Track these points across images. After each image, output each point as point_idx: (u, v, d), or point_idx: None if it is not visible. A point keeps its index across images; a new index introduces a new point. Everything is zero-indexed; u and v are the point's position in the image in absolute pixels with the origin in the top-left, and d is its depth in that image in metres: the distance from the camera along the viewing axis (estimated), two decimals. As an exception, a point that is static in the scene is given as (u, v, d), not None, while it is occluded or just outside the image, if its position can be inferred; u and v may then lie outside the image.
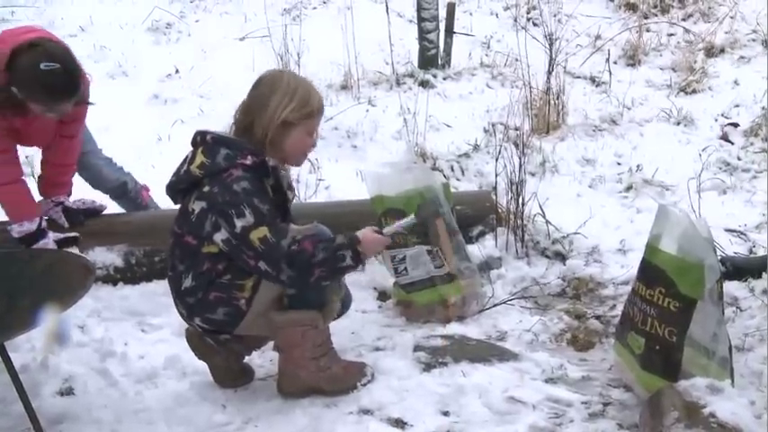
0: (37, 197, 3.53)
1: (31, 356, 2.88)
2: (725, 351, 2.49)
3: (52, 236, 3.38)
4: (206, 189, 2.57)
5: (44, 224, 3.38)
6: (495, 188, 3.78)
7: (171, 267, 2.70)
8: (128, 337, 3.14)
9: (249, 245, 2.51)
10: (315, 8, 7.44)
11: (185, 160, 2.66)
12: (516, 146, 4.02)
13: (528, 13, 7.07)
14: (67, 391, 2.80)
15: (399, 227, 2.82)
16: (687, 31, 6.57)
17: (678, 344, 2.50)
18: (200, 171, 2.59)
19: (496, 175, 3.64)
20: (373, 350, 2.98)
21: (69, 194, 3.62)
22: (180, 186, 2.66)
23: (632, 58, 6.30)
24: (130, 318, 3.27)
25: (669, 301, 2.51)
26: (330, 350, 2.77)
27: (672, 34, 6.58)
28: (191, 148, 2.67)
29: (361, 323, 3.22)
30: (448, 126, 5.11)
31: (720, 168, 4.53)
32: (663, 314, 2.52)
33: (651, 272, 2.58)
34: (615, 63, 6.18)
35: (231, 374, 2.86)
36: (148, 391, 2.83)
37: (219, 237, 2.54)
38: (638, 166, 4.53)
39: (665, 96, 5.62)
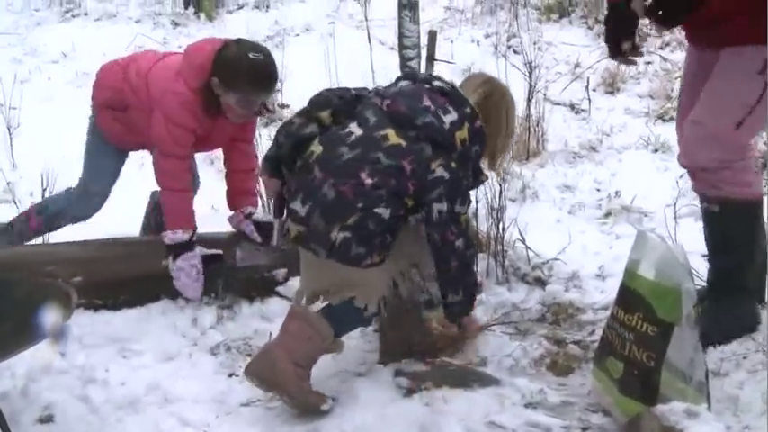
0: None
1: (11, 384, 2.86)
2: (701, 376, 2.52)
3: (199, 251, 3.43)
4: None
5: (195, 238, 3.43)
6: (476, 214, 3.81)
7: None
8: (109, 363, 3.12)
9: (457, 223, 2.78)
10: (297, 35, 7.52)
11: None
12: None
13: (508, 41, 7.17)
14: (48, 419, 2.78)
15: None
16: (664, 59, 6.67)
17: (656, 368, 2.52)
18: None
19: (477, 202, 3.67)
20: (355, 375, 2.99)
21: (255, 205, 3.69)
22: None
23: (611, 85, 6.39)
24: (112, 344, 3.26)
25: (647, 326, 2.53)
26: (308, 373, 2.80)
27: (649, 62, 6.68)
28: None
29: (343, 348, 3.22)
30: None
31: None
32: (641, 339, 2.55)
33: (630, 297, 2.61)
34: (594, 90, 6.27)
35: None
36: (129, 417, 2.81)
37: (440, 207, 2.74)
38: (616, 193, 4.59)
39: (643, 124, 5.70)
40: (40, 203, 3.85)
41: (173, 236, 3.40)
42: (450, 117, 2.76)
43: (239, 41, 3.38)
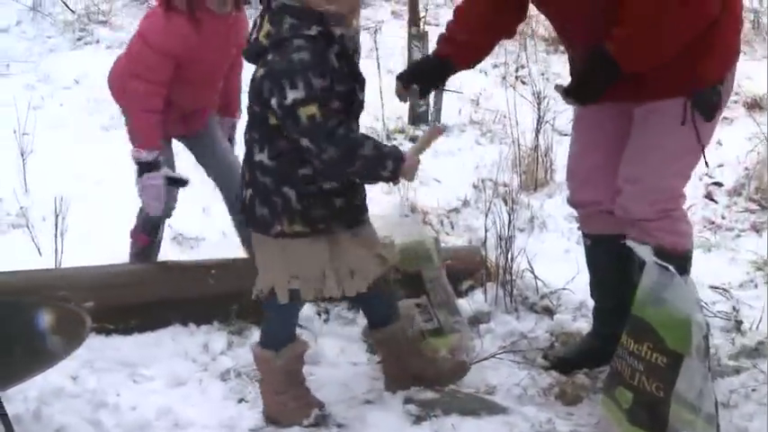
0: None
1: (23, 407, 2.87)
2: (711, 407, 2.53)
3: (164, 172, 3.50)
4: (269, 57, 2.59)
5: (161, 160, 3.49)
6: (484, 243, 3.84)
7: (245, 141, 2.75)
8: (120, 387, 3.14)
9: (296, 119, 2.53)
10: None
11: (254, 26, 2.68)
12: (505, 202, 4.10)
13: (516, 71, 7.21)
14: (60, 443, 2.81)
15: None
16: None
17: (665, 399, 2.54)
18: (265, 40, 2.61)
19: (486, 231, 3.70)
20: (363, 402, 3.00)
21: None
22: (251, 54, 2.69)
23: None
24: (122, 368, 3.27)
25: (657, 356, 2.55)
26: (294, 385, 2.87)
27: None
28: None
29: (352, 375, 3.23)
30: (437, 181, 5.19)
31: (705, 227, 4.62)
32: (650, 369, 2.56)
33: (639, 327, 2.63)
34: (601, 122, 6.29)
35: None
36: (140, 441, 2.84)
37: (274, 103, 2.56)
38: (624, 223, 4.59)
39: (650, 155, 5.71)
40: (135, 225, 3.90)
41: (137, 155, 3.49)
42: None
43: None
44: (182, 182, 3.62)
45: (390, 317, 3.00)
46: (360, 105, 2.75)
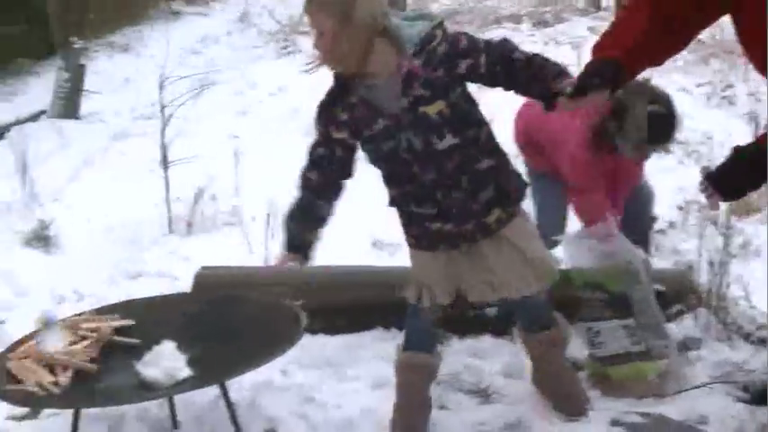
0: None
1: (239, 395, 3.01)
2: None
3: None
4: None
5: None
6: (691, 267, 3.69)
7: None
8: (325, 385, 3.24)
9: None
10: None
11: None
12: (715, 225, 3.92)
13: (723, 90, 6.93)
14: (271, 432, 2.94)
15: None
16: None
17: None
18: None
19: (700, 255, 3.56)
20: (568, 420, 2.95)
21: None
22: None
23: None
24: (328, 367, 3.38)
25: None
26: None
27: None
28: None
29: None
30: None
31: None
32: None
33: None
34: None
35: None
36: (347, 439, 2.92)
37: None
38: None
39: None
40: None
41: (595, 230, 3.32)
42: None
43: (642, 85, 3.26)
44: None
45: (533, 325, 2.96)
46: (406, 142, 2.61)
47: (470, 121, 2.64)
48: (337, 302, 3.58)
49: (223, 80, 7.29)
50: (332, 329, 3.56)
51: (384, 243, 4.53)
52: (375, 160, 2.70)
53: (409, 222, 2.77)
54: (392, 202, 2.77)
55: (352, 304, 3.59)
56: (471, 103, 2.65)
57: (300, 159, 4.55)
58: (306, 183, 2.73)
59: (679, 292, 3.61)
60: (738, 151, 2.56)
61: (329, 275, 3.71)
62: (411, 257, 2.85)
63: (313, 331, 3.55)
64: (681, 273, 3.83)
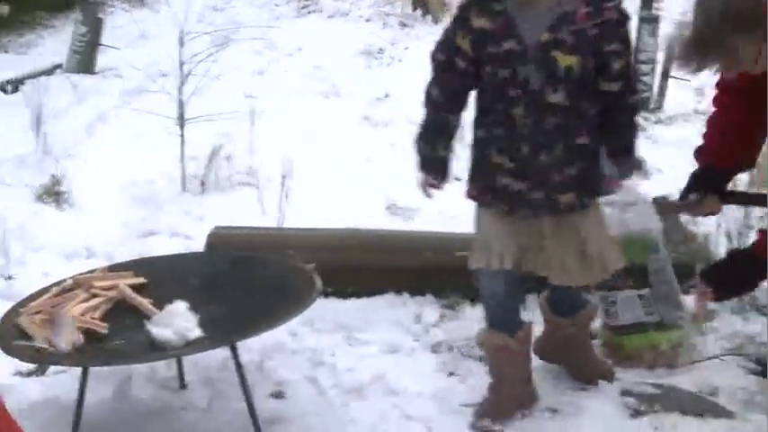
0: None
1: (248, 358, 3.00)
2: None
3: None
4: None
5: None
6: (712, 239, 3.65)
7: None
8: (336, 348, 3.24)
9: None
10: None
11: None
12: (735, 197, 3.85)
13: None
14: (279, 395, 2.94)
15: None
16: None
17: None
18: None
19: (719, 226, 3.51)
20: (579, 389, 2.94)
21: None
22: None
23: None
24: (339, 331, 3.37)
25: None
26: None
27: None
28: None
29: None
30: (659, 171, 4.97)
31: None
32: None
33: None
34: None
35: None
36: (355, 403, 2.91)
37: None
38: None
39: None
40: None
41: None
42: None
43: None
44: None
45: (570, 309, 2.95)
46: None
47: (587, 94, 2.56)
48: (350, 265, 3.55)
49: (241, 39, 7.23)
50: (344, 293, 3.55)
51: (398, 207, 4.49)
52: (482, 87, 2.61)
53: (480, 174, 2.66)
54: (474, 145, 2.67)
55: (364, 268, 3.57)
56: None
57: (318, 121, 4.54)
58: (428, 98, 2.71)
59: (696, 264, 3.56)
60: (735, 257, 2.68)
61: (340, 237, 3.69)
62: (477, 219, 2.73)
63: (325, 294, 3.54)
64: (698, 245, 3.79)
